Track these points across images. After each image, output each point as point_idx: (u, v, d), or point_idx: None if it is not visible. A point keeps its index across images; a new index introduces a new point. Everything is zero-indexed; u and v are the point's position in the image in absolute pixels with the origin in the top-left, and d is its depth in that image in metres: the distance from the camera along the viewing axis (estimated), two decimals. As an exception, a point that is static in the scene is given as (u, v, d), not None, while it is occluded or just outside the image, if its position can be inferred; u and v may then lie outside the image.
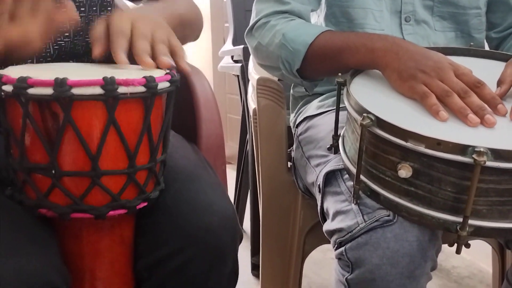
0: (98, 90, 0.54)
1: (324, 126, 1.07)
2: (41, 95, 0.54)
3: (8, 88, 0.54)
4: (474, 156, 0.61)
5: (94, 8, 0.87)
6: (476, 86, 0.76)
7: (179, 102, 0.90)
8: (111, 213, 0.58)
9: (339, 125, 0.92)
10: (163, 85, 0.59)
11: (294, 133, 1.23)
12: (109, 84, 0.54)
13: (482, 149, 0.60)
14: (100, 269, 0.63)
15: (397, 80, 0.81)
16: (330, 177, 0.93)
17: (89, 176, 0.57)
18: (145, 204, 0.63)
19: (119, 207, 0.59)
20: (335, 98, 1.09)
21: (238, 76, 1.90)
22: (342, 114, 0.90)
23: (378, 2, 1.05)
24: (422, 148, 0.63)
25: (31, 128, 0.56)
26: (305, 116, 1.18)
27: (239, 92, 2.00)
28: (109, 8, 0.89)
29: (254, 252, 1.67)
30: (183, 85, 0.88)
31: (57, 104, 0.54)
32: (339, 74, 0.87)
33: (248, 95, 1.48)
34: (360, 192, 0.76)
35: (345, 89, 0.82)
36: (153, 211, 0.67)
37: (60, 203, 0.58)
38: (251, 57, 1.37)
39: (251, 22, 1.06)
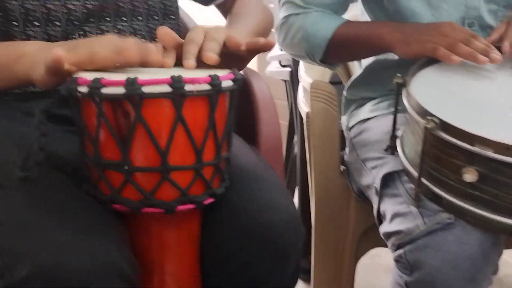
0: (166, 88, 0.56)
1: (378, 128, 1.07)
2: (114, 94, 0.56)
3: (83, 89, 0.58)
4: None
5: (156, 17, 0.91)
6: (473, 36, 0.86)
7: (239, 104, 0.92)
8: (180, 207, 0.60)
9: (397, 127, 0.90)
10: (226, 83, 0.61)
11: (347, 136, 1.23)
12: (176, 82, 0.56)
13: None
14: (169, 263, 0.65)
15: (406, 49, 0.91)
16: (388, 179, 0.92)
17: (159, 172, 0.59)
18: (212, 200, 0.65)
19: (188, 202, 0.61)
20: (388, 102, 1.10)
21: (285, 81, 1.91)
22: (398, 116, 0.90)
23: (436, 13, 1.03)
24: (490, 153, 0.62)
25: (105, 126, 0.58)
26: (358, 119, 1.18)
27: (286, 97, 2.01)
28: (173, 17, 0.93)
29: (303, 255, 1.67)
30: (243, 88, 0.91)
31: (128, 103, 0.57)
32: (398, 74, 0.87)
33: (299, 99, 1.48)
34: (421, 195, 0.75)
35: (404, 90, 0.81)
36: (217, 208, 0.68)
37: (132, 198, 0.60)
38: (302, 62, 1.39)
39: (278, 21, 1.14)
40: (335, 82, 1.37)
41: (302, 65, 1.40)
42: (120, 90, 0.56)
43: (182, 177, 0.60)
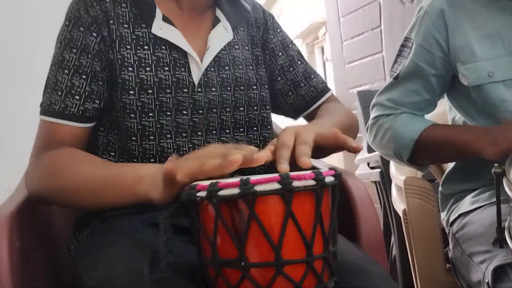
0: (276, 186, 0.61)
1: (482, 221, 1.05)
2: (230, 195, 0.62)
3: (202, 193, 0.64)
4: None
5: (255, 128, 1.00)
6: None
7: (338, 203, 0.96)
8: (295, 301, 0.62)
9: (503, 218, 0.89)
10: (329, 179, 0.66)
11: (449, 232, 1.20)
12: (285, 179, 0.61)
13: None
14: None
15: (495, 150, 0.93)
16: (500, 273, 0.89)
17: (274, 266, 0.62)
18: (323, 294, 0.66)
19: (301, 296, 0.63)
20: (490, 192, 1.08)
21: (376, 182, 1.92)
22: (502, 207, 0.88)
23: None
24: None
25: (222, 226, 0.64)
26: (459, 213, 1.16)
27: (378, 199, 2.00)
28: (269, 127, 1.03)
29: None
30: (340, 188, 0.95)
31: (242, 202, 0.62)
32: (495, 164, 0.86)
33: (393, 198, 1.48)
34: None
35: (504, 179, 0.80)
36: None
37: (249, 294, 0.63)
38: (392, 161, 1.42)
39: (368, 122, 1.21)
40: (429, 180, 1.37)
41: (393, 164, 1.43)
42: (235, 190, 0.62)
43: (295, 271, 0.62)
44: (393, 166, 1.44)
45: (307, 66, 1.12)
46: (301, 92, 1.09)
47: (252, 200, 0.61)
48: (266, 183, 0.61)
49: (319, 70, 10.70)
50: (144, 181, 0.78)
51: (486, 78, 1.06)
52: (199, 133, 0.95)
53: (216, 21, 1.01)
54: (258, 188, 0.61)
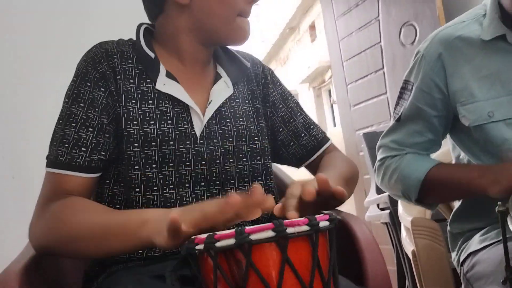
0: (270, 233, 0.62)
1: (491, 259, 1.04)
2: (226, 246, 0.63)
3: (200, 246, 0.65)
4: None
5: (260, 178, 1.02)
6: None
7: (343, 247, 0.96)
8: None
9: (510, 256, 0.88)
10: (323, 223, 0.66)
11: (460, 272, 1.19)
12: (278, 226, 0.62)
13: None
14: None
15: (498, 188, 0.94)
16: None
17: (274, 313, 0.62)
18: None
19: None
20: (497, 230, 1.07)
21: (386, 223, 1.91)
22: (510, 245, 0.87)
23: None
24: None
25: (222, 277, 0.64)
26: (468, 252, 1.15)
27: (390, 240, 1.98)
28: (272, 176, 1.05)
29: None
30: (344, 231, 0.95)
31: (239, 251, 0.63)
32: (499, 203, 0.86)
33: (402, 238, 1.47)
34: None
35: (508, 218, 0.80)
36: None
37: None
38: (400, 201, 1.41)
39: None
40: (438, 220, 1.36)
41: (400, 204, 1.43)
42: (231, 241, 0.63)
43: (295, 317, 0.63)
44: (400, 207, 1.44)
45: (307, 117, 1.16)
46: (302, 142, 1.13)
47: (248, 249, 0.62)
48: (260, 231, 0.62)
49: (327, 112, 10.80)
50: (148, 225, 0.79)
51: (487, 118, 1.07)
52: (202, 184, 0.97)
53: (217, 77, 1.05)
54: (253, 237, 0.62)
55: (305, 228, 0.64)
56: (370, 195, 2.10)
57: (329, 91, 10.35)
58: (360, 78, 3.19)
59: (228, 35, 1.00)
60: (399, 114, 1.18)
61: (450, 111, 1.14)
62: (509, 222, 0.79)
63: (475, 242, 1.14)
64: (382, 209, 1.97)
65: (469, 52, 1.11)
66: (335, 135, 3.78)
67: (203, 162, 0.97)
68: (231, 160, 0.99)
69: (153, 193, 0.93)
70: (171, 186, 0.94)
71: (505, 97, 1.07)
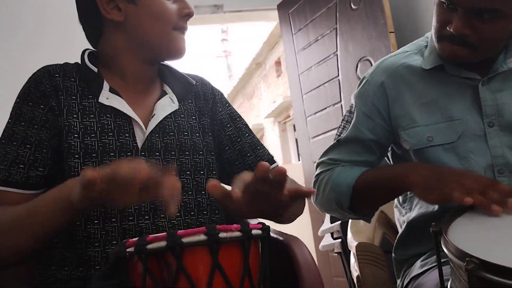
0: (202, 237, 0.63)
1: (430, 282, 1.06)
2: (157, 248, 0.64)
3: (131, 249, 0.65)
4: None
5: (203, 192, 1.03)
6: (492, 186, 0.90)
7: (282, 268, 0.96)
8: None
9: (445, 278, 0.88)
10: (256, 231, 0.68)
11: (404, 298, 1.20)
12: (211, 230, 0.63)
13: None
14: None
15: (425, 194, 0.96)
16: None
17: (201, 318, 0.62)
18: None
19: None
20: (437, 254, 1.09)
21: (340, 253, 1.91)
22: (448, 268, 0.89)
23: (466, 163, 1.10)
24: None
25: (150, 281, 0.64)
26: (410, 277, 1.17)
27: (344, 272, 1.98)
28: (215, 172, 1.07)
29: None
30: (285, 253, 0.96)
31: (170, 254, 0.63)
32: (433, 223, 0.89)
33: (351, 265, 1.48)
34: None
35: (442, 239, 0.82)
36: None
37: None
38: (349, 227, 1.43)
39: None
40: (386, 251, 1.38)
41: (349, 231, 1.44)
42: (163, 243, 0.63)
43: (223, 323, 0.63)
44: (349, 234, 1.46)
45: (254, 138, 1.18)
46: (248, 162, 1.14)
47: (180, 252, 0.63)
48: (193, 234, 0.63)
49: (291, 146, 10.91)
50: (65, 186, 0.84)
51: (426, 142, 1.12)
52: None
53: (163, 93, 1.08)
54: (185, 239, 0.63)
55: (238, 234, 0.65)
56: (325, 224, 2.11)
57: (294, 125, 10.48)
58: (318, 111, 3.26)
59: (164, 49, 1.03)
60: (340, 135, 1.22)
61: (388, 137, 1.18)
62: (442, 243, 0.79)
63: (417, 267, 1.16)
64: (335, 239, 1.97)
65: (411, 80, 1.17)
66: (299, 168, 3.83)
67: None
68: (173, 173, 1.00)
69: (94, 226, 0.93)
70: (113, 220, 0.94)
71: (443, 123, 1.12)
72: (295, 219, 1.09)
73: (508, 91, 1.11)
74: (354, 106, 1.22)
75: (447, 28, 1.07)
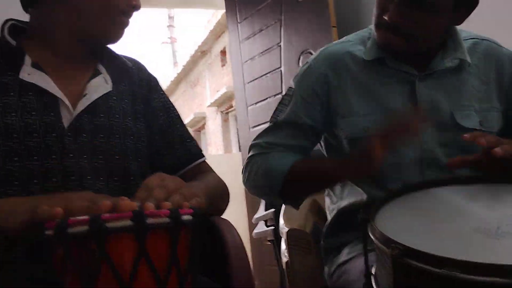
0: (128, 222, 0.61)
1: (355, 269, 1.08)
2: (78, 232, 0.60)
3: (50, 232, 0.62)
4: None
5: (132, 178, 1.00)
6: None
7: (211, 252, 0.95)
8: None
9: (371, 264, 0.90)
10: (186, 217, 0.66)
11: (330, 284, 1.22)
12: (138, 216, 0.60)
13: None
14: None
15: (357, 171, 0.99)
16: None
17: (123, 308, 0.60)
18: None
19: (152, 337, 0.60)
20: (366, 241, 1.12)
21: (273, 241, 1.93)
22: (374, 255, 0.91)
23: (397, 155, 1.11)
24: (457, 274, 0.60)
25: (71, 267, 0.61)
26: (337, 264, 1.19)
27: (276, 260, 2.00)
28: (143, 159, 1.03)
29: None
30: (214, 235, 0.95)
31: (92, 240, 0.60)
32: (361, 210, 0.90)
33: (282, 252, 1.49)
34: None
35: (369, 226, 0.84)
36: None
37: None
38: (281, 215, 1.44)
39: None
40: (319, 241, 1.39)
41: (281, 218, 1.45)
42: (85, 227, 0.60)
43: (146, 313, 0.61)
44: (281, 220, 1.46)
45: (185, 131, 1.15)
46: (176, 153, 1.11)
47: (103, 237, 0.60)
48: (118, 219, 0.60)
49: (233, 136, 10.91)
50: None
51: (362, 132, 1.13)
52: (72, 178, 0.92)
53: (96, 73, 1.02)
54: (109, 224, 0.60)
55: (166, 220, 0.63)
56: (259, 212, 2.12)
57: (236, 116, 10.48)
58: (260, 101, 3.27)
59: (104, 32, 0.98)
60: (277, 118, 1.21)
61: (325, 124, 1.19)
62: (369, 231, 0.81)
63: (344, 254, 1.18)
64: (269, 226, 1.98)
65: (353, 69, 1.18)
66: (239, 158, 3.82)
67: (71, 155, 0.93)
68: (101, 156, 0.97)
69: (13, 188, 0.88)
70: (36, 181, 0.89)
71: (380, 115, 1.14)
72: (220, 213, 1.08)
73: (443, 90, 1.14)
74: (293, 90, 1.21)
75: (384, 16, 1.09)
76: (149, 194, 0.75)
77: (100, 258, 0.60)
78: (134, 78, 1.09)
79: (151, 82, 1.12)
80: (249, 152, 1.23)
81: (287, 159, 1.14)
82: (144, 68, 1.14)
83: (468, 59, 1.15)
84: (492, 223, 0.76)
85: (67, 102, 0.94)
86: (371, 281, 0.88)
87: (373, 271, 0.89)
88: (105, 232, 0.60)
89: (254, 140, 1.23)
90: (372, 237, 0.80)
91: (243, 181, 1.22)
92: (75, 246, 0.61)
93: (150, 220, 0.61)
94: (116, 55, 1.07)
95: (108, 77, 1.03)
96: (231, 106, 10.52)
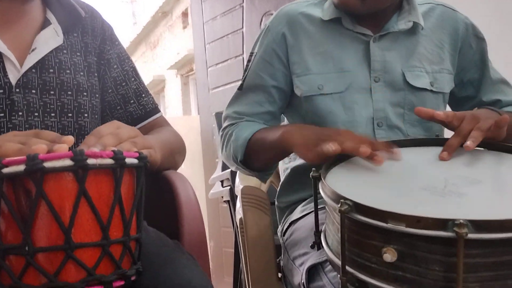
0: (68, 162, 0.57)
1: (306, 226, 1.09)
2: (15, 172, 0.57)
3: None
4: (455, 229, 0.58)
5: (70, 115, 0.95)
6: (363, 142, 0.86)
7: (164, 204, 0.93)
8: (87, 289, 0.57)
9: (321, 222, 0.91)
10: (131, 160, 0.63)
11: (282, 242, 1.23)
12: (78, 155, 0.57)
13: (462, 221, 0.58)
14: None
15: (305, 152, 0.93)
16: (313, 273, 0.93)
17: (63, 250, 0.57)
18: (122, 282, 0.62)
19: (95, 282, 0.59)
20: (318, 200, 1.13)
21: (228, 201, 1.93)
22: (324, 213, 0.92)
23: (350, 112, 1.13)
24: (403, 228, 0.61)
25: (5, 208, 0.58)
26: (289, 222, 1.20)
27: (231, 221, 2.00)
28: (97, 115, 0.98)
29: None
30: (166, 187, 0.93)
31: (29, 180, 0.57)
32: (313, 168, 0.90)
33: (236, 210, 1.49)
34: (348, 284, 0.72)
35: (320, 184, 0.84)
36: None
37: (35, 283, 0.58)
38: (237, 174, 1.43)
39: None
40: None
41: (238, 176, 1.45)
42: (21, 167, 0.56)
43: (87, 255, 0.59)
44: (238, 178, 1.46)
45: (141, 85, 1.10)
46: (130, 109, 1.07)
47: (41, 177, 0.57)
48: (56, 159, 0.57)
49: (192, 99, 10.79)
50: None
51: (316, 90, 1.14)
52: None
53: (46, 23, 0.95)
54: (48, 164, 0.57)
55: (109, 161, 0.60)
56: (216, 172, 2.11)
57: (196, 80, 10.34)
58: (220, 62, 3.21)
59: None
60: (242, 84, 1.21)
61: (288, 83, 1.19)
62: (320, 189, 0.81)
63: (297, 212, 1.20)
64: (225, 187, 1.98)
65: (309, 29, 1.17)
66: (197, 120, 3.77)
67: (20, 113, 0.88)
68: (53, 114, 0.91)
69: None
70: None
71: (334, 73, 1.14)
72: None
73: (396, 51, 1.15)
74: (254, 54, 1.21)
75: None
76: (98, 141, 0.71)
77: (37, 198, 0.57)
78: (87, 28, 1.02)
79: (105, 31, 1.06)
80: (223, 123, 1.24)
81: (251, 129, 1.14)
82: (98, 15, 1.07)
83: (422, 22, 1.16)
84: (439, 182, 0.78)
85: (12, 58, 0.88)
86: (320, 238, 0.89)
87: (323, 228, 0.90)
88: (42, 171, 0.56)
89: (225, 110, 1.24)
90: (322, 194, 0.80)
91: (220, 153, 1.23)
92: (11, 187, 0.58)
93: (91, 161, 0.58)
94: (69, 1, 0.99)
95: (58, 28, 0.96)
96: (192, 70, 10.36)
